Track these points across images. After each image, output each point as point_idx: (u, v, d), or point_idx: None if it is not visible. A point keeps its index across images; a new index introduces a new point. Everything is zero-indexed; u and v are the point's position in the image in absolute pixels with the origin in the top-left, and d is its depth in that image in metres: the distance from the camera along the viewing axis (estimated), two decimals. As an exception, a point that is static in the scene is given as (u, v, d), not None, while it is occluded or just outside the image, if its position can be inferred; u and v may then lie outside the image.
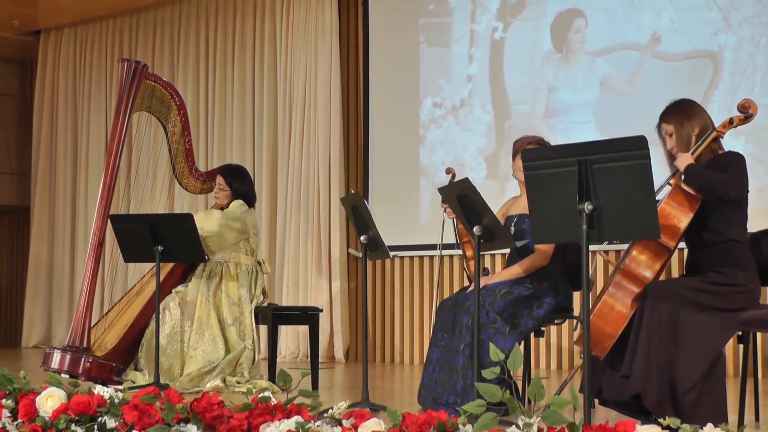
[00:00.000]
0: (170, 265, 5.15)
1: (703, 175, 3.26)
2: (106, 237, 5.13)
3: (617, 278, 3.23)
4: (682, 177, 3.32)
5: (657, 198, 3.23)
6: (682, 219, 3.21)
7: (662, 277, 3.40)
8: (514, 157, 4.10)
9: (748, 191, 3.35)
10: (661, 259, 3.24)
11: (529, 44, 6.71)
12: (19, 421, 2.97)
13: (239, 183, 5.19)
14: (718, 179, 3.25)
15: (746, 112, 3.38)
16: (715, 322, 3.20)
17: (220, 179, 5.22)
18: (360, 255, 4.16)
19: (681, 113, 3.42)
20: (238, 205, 5.12)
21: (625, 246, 3.64)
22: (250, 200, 5.21)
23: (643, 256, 3.23)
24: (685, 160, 3.30)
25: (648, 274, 3.23)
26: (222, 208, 5.23)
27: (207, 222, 5.04)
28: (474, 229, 3.53)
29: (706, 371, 3.14)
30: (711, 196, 3.25)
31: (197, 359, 4.87)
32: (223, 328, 4.98)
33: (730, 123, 3.37)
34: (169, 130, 5.35)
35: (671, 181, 3.34)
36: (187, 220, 4.64)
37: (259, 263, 5.21)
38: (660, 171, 3.33)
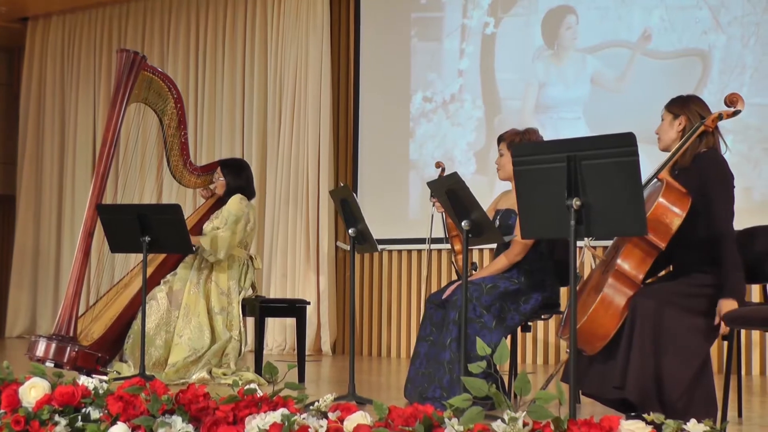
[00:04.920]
0: (161, 257, 5.13)
1: (741, 285, 3.24)
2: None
3: (610, 280, 3.22)
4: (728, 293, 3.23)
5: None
6: (675, 220, 3.20)
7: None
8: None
9: (734, 186, 3.36)
10: (652, 258, 3.24)
11: (520, 40, 6.71)
12: (2, 411, 2.95)
13: (231, 177, 5.21)
14: (738, 265, 3.23)
15: (734, 106, 3.38)
16: (701, 325, 3.21)
17: (219, 169, 5.27)
18: (348, 248, 4.15)
19: (679, 105, 3.45)
20: (237, 201, 5.08)
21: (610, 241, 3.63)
22: (246, 195, 5.20)
23: (633, 256, 3.23)
24: (729, 306, 3.21)
25: (639, 274, 3.24)
26: (220, 200, 5.23)
27: (216, 245, 4.98)
28: (462, 224, 3.53)
29: (695, 375, 3.15)
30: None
31: (182, 347, 4.85)
32: (211, 317, 4.97)
33: (719, 118, 3.37)
34: (165, 123, 5.29)
35: (659, 176, 3.33)
36: (175, 211, 4.60)
37: (251, 258, 5.21)
38: (649, 168, 3.33)
